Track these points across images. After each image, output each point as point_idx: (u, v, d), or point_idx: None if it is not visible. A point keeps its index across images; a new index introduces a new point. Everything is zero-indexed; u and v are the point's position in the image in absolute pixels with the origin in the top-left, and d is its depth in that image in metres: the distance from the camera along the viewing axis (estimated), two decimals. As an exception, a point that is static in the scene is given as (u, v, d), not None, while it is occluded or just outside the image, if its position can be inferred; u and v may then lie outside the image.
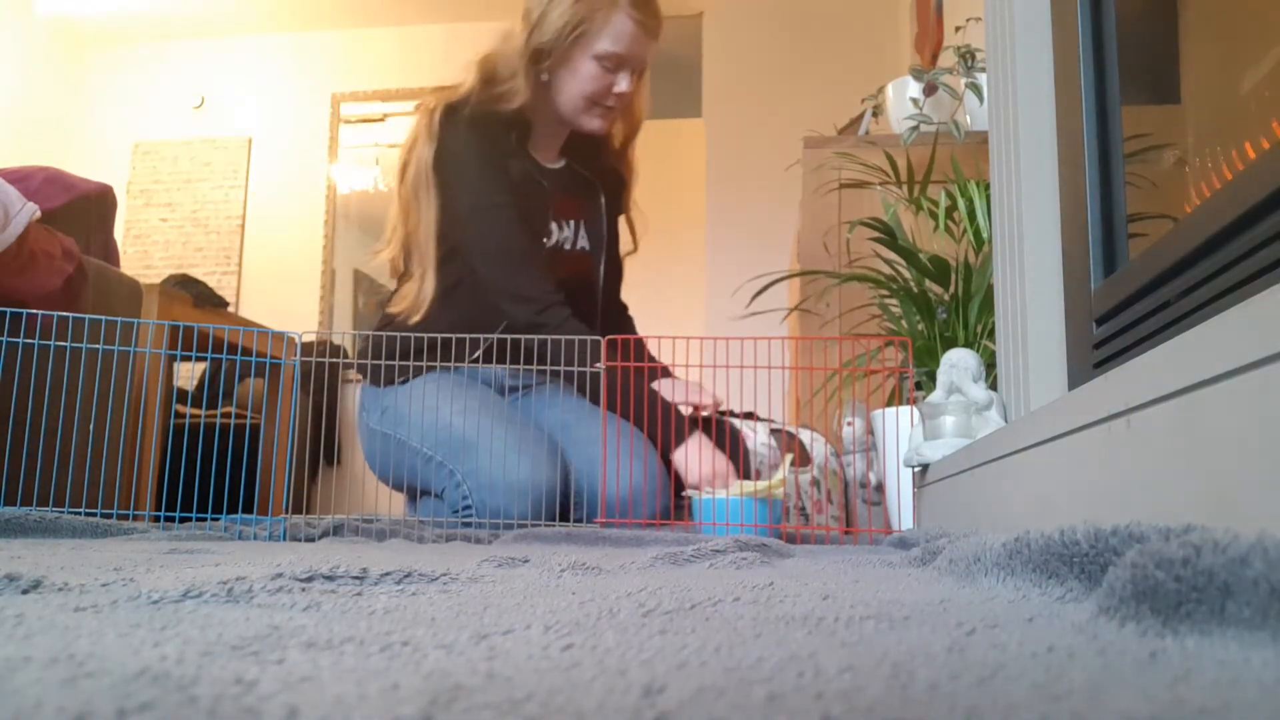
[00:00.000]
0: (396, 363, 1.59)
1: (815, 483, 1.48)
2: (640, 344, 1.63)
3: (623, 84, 1.63)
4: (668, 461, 1.50)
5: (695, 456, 1.46)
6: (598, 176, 1.75)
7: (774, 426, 1.57)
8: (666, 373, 1.64)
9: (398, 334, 1.62)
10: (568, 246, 1.70)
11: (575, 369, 1.48)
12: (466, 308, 1.60)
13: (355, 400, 1.73)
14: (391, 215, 1.70)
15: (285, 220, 4.45)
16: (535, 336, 1.52)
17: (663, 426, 1.50)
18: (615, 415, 1.49)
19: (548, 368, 1.53)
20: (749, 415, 1.57)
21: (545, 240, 1.65)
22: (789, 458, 1.31)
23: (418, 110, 1.68)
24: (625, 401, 1.49)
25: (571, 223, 1.71)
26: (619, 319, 1.84)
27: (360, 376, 1.73)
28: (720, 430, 1.49)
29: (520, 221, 1.59)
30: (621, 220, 1.83)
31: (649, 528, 1.31)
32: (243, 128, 4.56)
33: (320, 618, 0.33)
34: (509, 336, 1.54)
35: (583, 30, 1.59)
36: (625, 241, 1.84)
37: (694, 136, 3.93)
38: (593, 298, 1.74)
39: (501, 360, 1.61)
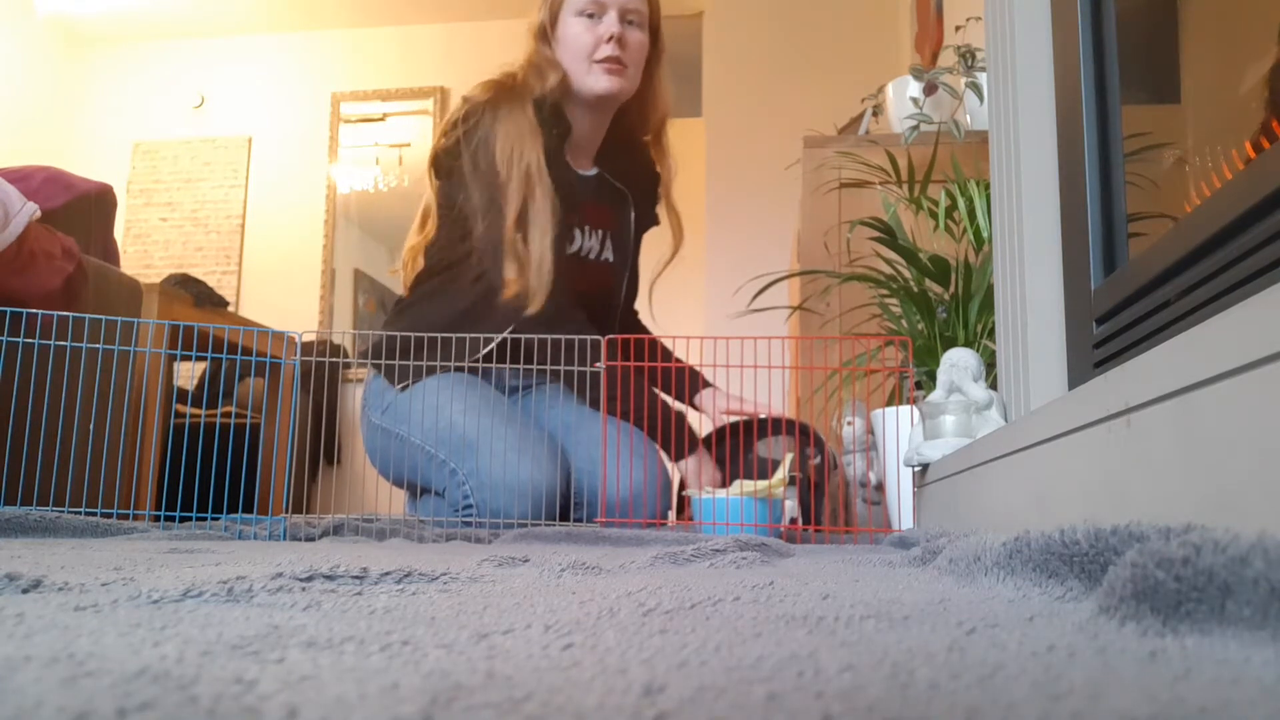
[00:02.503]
0: (411, 363, 1.59)
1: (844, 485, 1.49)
2: (647, 344, 1.63)
3: (610, 25, 1.62)
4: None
5: (696, 467, 1.46)
6: (629, 185, 1.74)
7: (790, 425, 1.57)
8: (706, 382, 1.64)
9: (397, 334, 1.62)
10: (592, 256, 1.69)
11: (576, 369, 1.48)
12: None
13: (356, 399, 1.72)
14: (468, 205, 1.62)
15: (285, 220, 4.45)
16: (537, 336, 1.52)
17: (663, 428, 1.50)
18: (616, 416, 1.49)
19: (548, 367, 1.53)
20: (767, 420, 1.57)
21: (568, 245, 1.63)
22: (789, 457, 1.31)
23: (476, 104, 1.62)
24: (626, 402, 1.49)
25: (599, 232, 1.70)
26: (632, 328, 1.83)
27: (367, 371, 1.72)
28: (807, 439, 1.49)
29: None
30: (661, 210, 1.80)
31: (649, 528, 1.31)
32: (243, 127, 4.56)
33: (320, 617, 0.33)
34: (510, 336, 1.54)
35: None
36: (643, 252, 1.82)
37: (694, 136, 3.93)
38: (612, 310, 1.73)
39: (503, 360, 1.60)
